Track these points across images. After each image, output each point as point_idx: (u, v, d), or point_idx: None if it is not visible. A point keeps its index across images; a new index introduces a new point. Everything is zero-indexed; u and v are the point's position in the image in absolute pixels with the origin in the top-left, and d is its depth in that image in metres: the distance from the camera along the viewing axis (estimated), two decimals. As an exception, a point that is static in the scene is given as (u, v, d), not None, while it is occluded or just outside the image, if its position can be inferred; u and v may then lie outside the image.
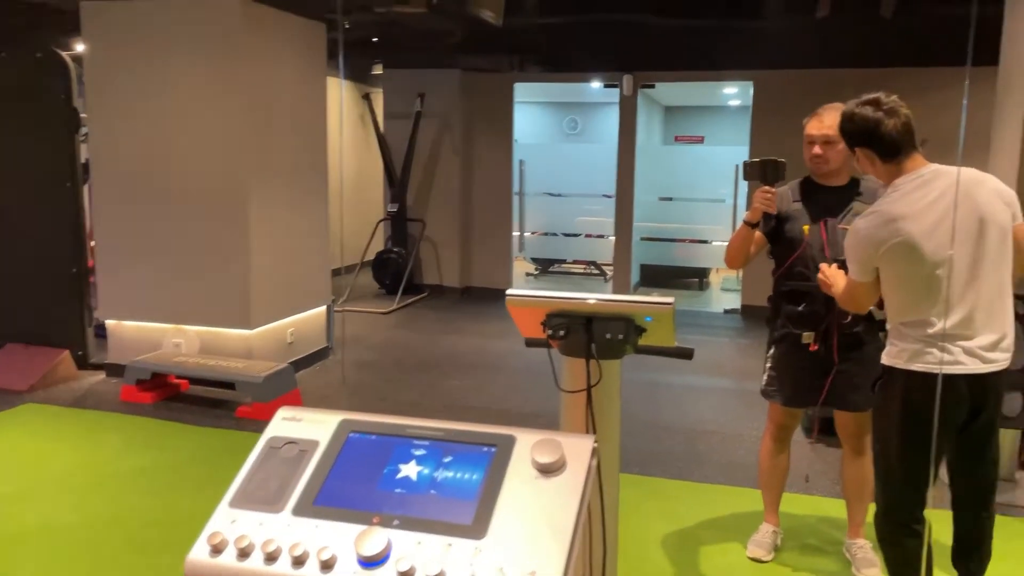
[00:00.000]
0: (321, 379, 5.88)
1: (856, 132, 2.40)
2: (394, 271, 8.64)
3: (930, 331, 2.29)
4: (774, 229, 3.00)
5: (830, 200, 2.94)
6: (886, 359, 2.43)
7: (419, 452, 1.17)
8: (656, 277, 10.60)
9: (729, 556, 3.26)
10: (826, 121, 2.88)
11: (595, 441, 1.16)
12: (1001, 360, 2.34)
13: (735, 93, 11.00)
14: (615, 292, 9.15)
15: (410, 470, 1.16)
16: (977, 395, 2.33)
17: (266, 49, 5.43)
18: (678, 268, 10.66)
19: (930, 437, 2.22)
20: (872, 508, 3.17)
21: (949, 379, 2.26)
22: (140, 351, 5.44)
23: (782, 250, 3.01)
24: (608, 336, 2.04)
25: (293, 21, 5.75)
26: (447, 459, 1.16)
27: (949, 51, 6.69)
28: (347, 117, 10.40)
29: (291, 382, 5.16)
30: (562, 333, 2.07)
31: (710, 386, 5.83)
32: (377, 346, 6.88)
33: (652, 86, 9.13)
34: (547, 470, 1.08)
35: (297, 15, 5.77)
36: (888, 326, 2.48)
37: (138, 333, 5.63)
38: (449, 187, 9.00)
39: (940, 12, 6.33)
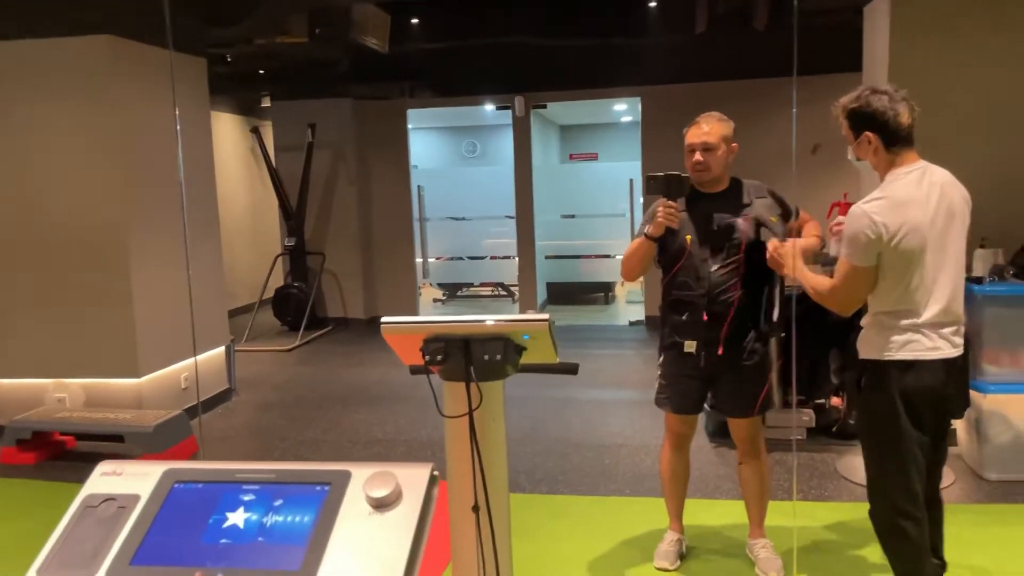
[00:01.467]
0: (223, 423, 5.65)
1: (868, 116, 2.45)
2: (295, 306, 8.42)
3: (917, 320, 2.42)
4: (661, 239, 3.02)
5: (713, 207, 2.98)
6: (871, 353, 2.48)
7: (248, 498, 1.10)
8: (563, 294, 10.69)
9: (636, 568, 3.26)
10: (705, 128, 2.95)
11: (434, 470, 1.11)
12: (961, 345, 2.51)
13: (626, 109, 11.25)
14: (522, 312, 9.18)
15: (237, 518, 1.09)
16: (950, 378, 2.49)
17: (141, 88, 5.22)
18: (584, 284, 10.78)
19: (923, 422, 2.45)
20: (772, 507, 3.26)
21: (934, 364, 2.43)
22: (20, 410, 5.10)
23: (668, 260, 3.05)
24: (486, 357, 2.00)
25: (170, 58, 5.56)
26: (277, 502, 1.09)
27: (829, 59, 6.99)
28: (237, 151, 10.14)
29: (185, 430, 4.93)
30: (439, 358, 2.02)
31: (617, 399, 5.87)
32: (280, 384, 6.67)
33: (544, 106, 9.24)
34: (381, 504, 1.03)
35: (175, 52, 5.58)
36: (866, 320, 2.53)
37: (17, 391, 5.28)
38: (347, 217, 8.86)
39: (814, 23, 6.66)
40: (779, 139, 7.58)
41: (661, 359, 3.15)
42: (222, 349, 6.12)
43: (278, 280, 8.84)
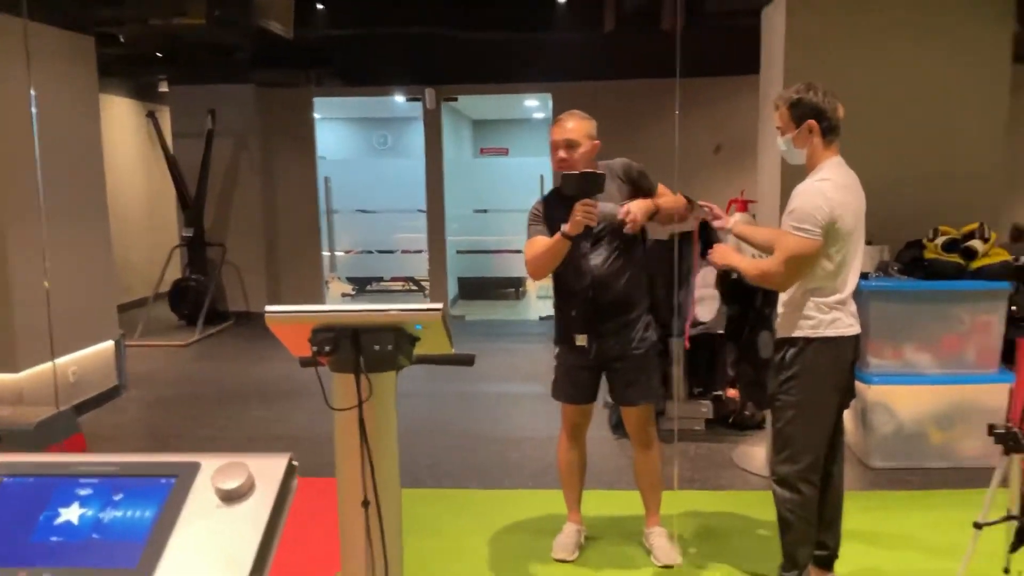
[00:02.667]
0: (112, 420, 5.37)
1: (812, 106, 2.63)
2: (193, 300, 8.10)
3: (841, 297, 2.65)
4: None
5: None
6: (800, 331, 2.65)
7: (84, 492, 1.02)
8: (474, 289, 10.65)
9: (536, 560, 3.25)
10: (568, 125, 2.97)
11: (292, 460, 1.06)
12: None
13: (537, 105, 11.29)
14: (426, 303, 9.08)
15: (71, 514, 1.00)
16: (856, 355, 2.77)
17: (17, 66, 4.89)
18: (495, 279, 10.76)
19: (844, 394, 2.74)
20: (669, 496, 3.31)
21: (852, 340, 2.69)
22: None
23: None
24: (376, 348, 1.94)
25: (54, 35, 5.24)
26: (118, 496, 1.01)
27: (731, 62, 7.16)
28: (133, 137, 9.69)
29: (72, 427, 4.65)
30: (328, 348, 1.95)
31: (525, 392, 5.88)
32: (175, 381, 6.40)
33: (455, 99, 9.17)
34: (230, 497, 0.97)
35: (60, 28, 5.26)
36: (790, 300, 2.68)
37: None
38: (250, 208, 8.58)
39: (717, 26, 6.82)
40: (684, 138, 7.74)
41: (556, 351, 3.20)
42: (111, 343, 5.83)
43: (176, 273, 8.49)
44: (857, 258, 2.69)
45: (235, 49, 7.61)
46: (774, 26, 4.91)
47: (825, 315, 2.63)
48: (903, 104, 4.71)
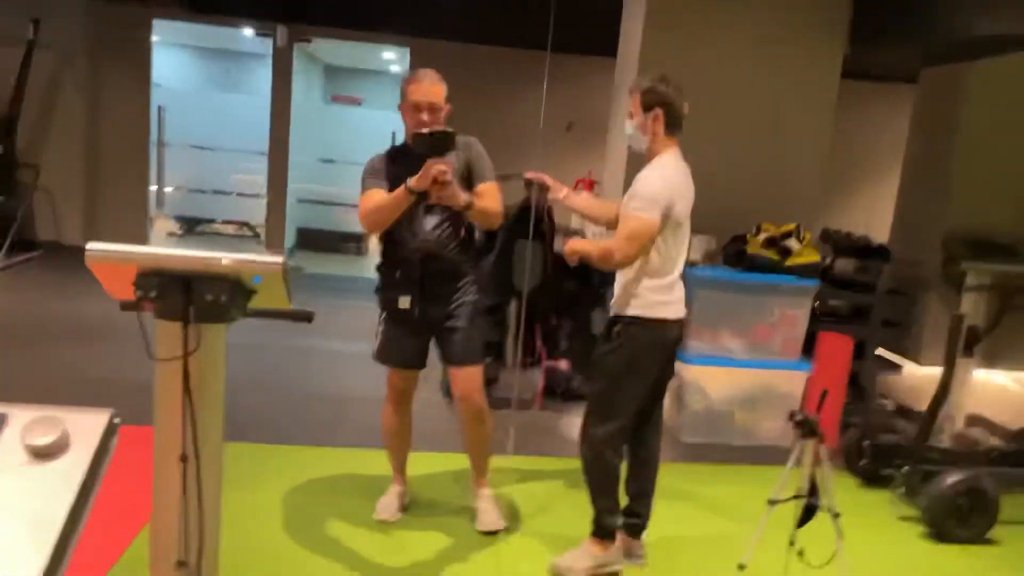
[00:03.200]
0: None
1: (662, 96, 2.77)
2: (-2, 224, 7.34)
3: (672, 280, 2.82)
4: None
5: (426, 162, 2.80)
6: (632, 310, 2.78)
7: None
8: (313, 241, 10.33)
9: (359, 520, 3.24)
10: (433, 88, 2.91)
11: (115, 417, 0.99)
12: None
13: (395, 59, 11.03)
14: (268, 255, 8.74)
15: None
16: (681, 336, 2.93)
17: None
18: (338, 233, 10.49)
19: (662, 375, 2.92)
20: (499, 461, 3.39)
21: (679, 323, 2.87)
22: None
23: None
24: (209, 298, 1.84)
25: None
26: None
27: (594, 41, 7.27)
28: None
29: None
30: (154, 294, 1.83)
31: (360, 351, 5.77)
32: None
33: (308, 41, 8.79)
34: (41, 454, 0.89)
35: None
36: (625, 280, 2.80)
37: None
38: (71, 129, 7.86)
39: (588, 3, 6.90)
40: (545, 115, 7.85)
41: (382, 315, 3.14)
42: None
43: (-22, 192, 7.64)
44: (685, 245, 2.87)
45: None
46: (634, 7, 5.06)
47: (655, 297, 2.79)
48: (743, 103, 5.01)
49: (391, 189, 2.87)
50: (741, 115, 5.01)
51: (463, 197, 2.84)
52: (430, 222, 2.97)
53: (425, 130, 2.79)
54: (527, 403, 4.80)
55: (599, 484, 2.91)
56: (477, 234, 3.14)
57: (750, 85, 5.00)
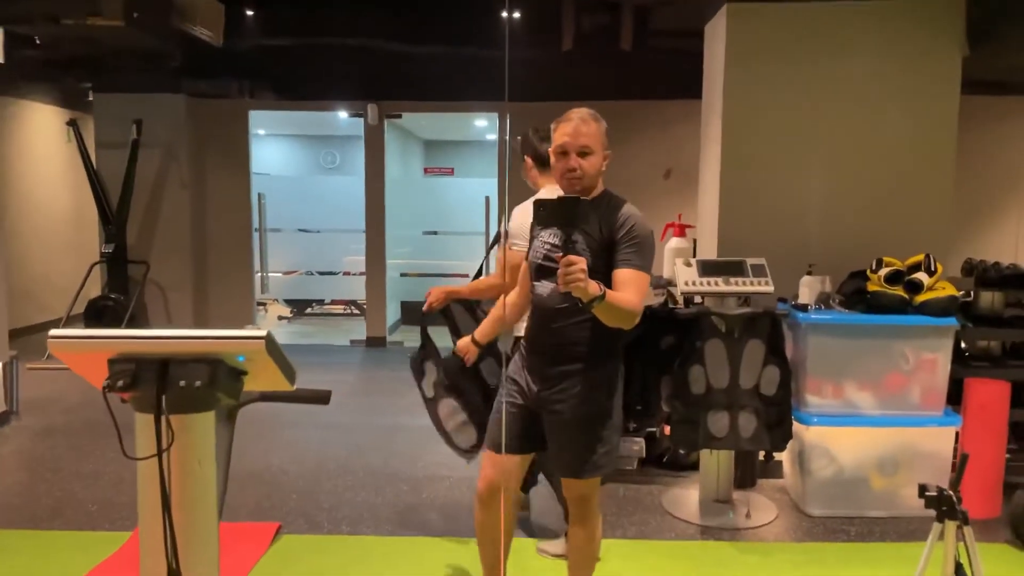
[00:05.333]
0: (-4, 449, 4.89)
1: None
2: (110, 320, 7.59)
3: None
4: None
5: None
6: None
7: None
8: (419, 314, 10.23)
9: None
10: (579, 126, 2.41)
11: None
12: None
13: (487, 126, 11.02)
14: (369, 332, 8.68)
15: None
16: None
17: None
18: (442, 304, 10.35)
19: None
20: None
21: None
22: None
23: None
24: (182, 384, 1.58)
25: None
26: None
27: (685, 85, 6.93)
28: (60, 148, 9.19)
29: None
30: (120, 384, 1.58)
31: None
32: (72, 407, 5.87)
33: (399, 116, 8.85)
34: None
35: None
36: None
37: None
38: (178, 224, 8.12)
39: (675, 47, 6.60)
40: (636, 163, 7.55)
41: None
42: None
43: (96, 291, 7.98)
44: None
45: (163, 56, 7.21)
46: (715, 42, 4.68)
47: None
48: (847, 126, 4.48)
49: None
50: (847, 137, 4.48)
51: (592, 287, 2.16)
52: (546, 287, 2.49)
53: (549, 198, 2.27)
54: (626, 475, 4.32)
55: None
56: None
57: (854, 101, 4.48)
